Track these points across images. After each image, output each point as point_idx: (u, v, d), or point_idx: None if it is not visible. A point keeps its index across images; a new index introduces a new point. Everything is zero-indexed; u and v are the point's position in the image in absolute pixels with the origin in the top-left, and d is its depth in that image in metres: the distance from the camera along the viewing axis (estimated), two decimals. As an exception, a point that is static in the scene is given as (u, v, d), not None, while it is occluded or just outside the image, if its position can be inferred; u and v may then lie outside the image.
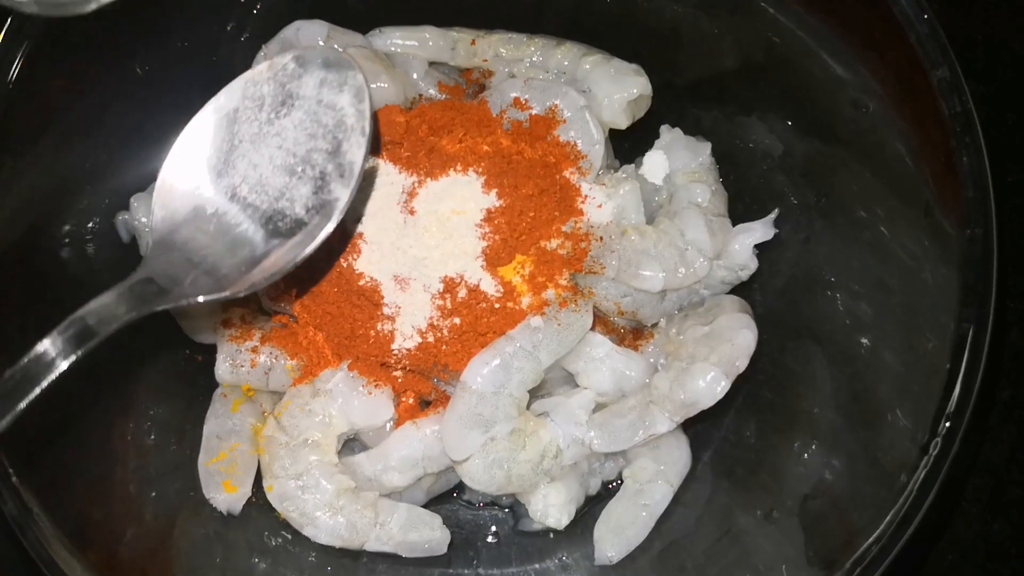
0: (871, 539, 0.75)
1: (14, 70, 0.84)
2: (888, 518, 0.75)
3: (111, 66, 0.94)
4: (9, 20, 0.84)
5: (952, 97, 0.80)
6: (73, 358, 0.70)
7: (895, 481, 0.76)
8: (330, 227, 0.83)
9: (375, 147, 0.96)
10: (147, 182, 0.97)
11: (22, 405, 0.68)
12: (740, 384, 0.94)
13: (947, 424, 0.75)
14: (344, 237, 0.95)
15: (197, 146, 0.85)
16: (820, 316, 0.97)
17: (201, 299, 0.79)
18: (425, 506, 0.99)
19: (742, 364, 0.93)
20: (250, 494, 0.96)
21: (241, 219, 0.84)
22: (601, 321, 1.01)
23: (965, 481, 1.05)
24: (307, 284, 0.97)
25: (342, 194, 0.84)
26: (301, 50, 0.87)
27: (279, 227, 0.84)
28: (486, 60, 1.07)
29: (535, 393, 0.95)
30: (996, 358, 0.77)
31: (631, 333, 1.03)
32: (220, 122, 0.85)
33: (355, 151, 0.84)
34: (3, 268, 0.86)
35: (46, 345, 0.70)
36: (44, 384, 0.69)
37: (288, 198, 0.84)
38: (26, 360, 0.69)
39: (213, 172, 0.85)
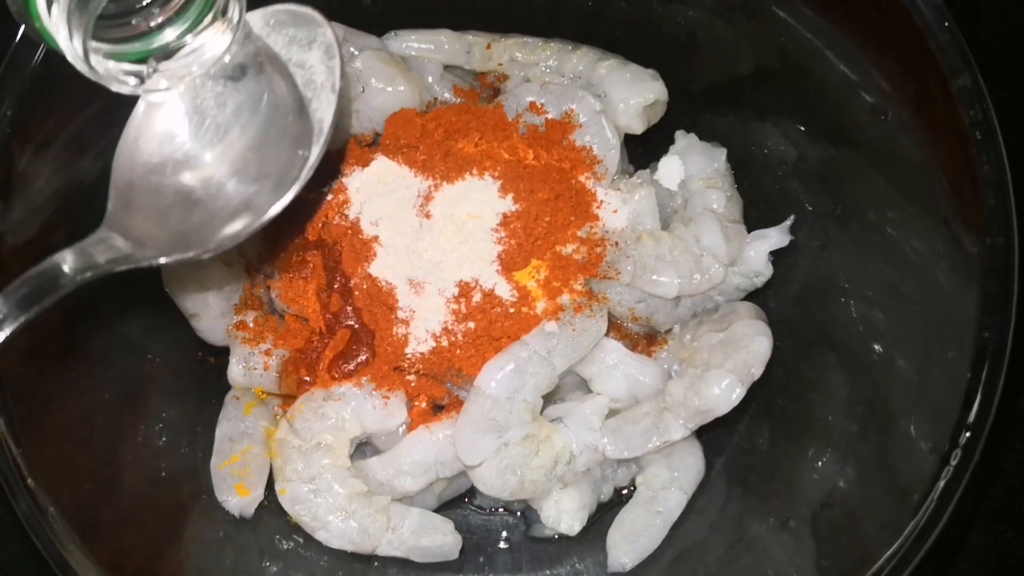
0: (889, 552, 0.74)
1: (28, 73, 0.84)
2: (906, 532, 0.74)
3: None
4: (24, 25, 0.84)
5: (974, 105, 0.79)
6: (23, 320, 0.68)
7: (913, 493, 0.75)
8: (297, 187, 0.81)
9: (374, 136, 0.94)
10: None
11: None
12: (754, 391, 0.93)
13: (967, 435, 0.74)
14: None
15: (160, 106, 0.81)
16: (835, 324, 0.97)
17: (163, 260, 0.76)
18: (436, 511, 0.98)
19: (757, 371, 0.93)
20: (262, 497, 0.96)
21: (207, 179, 0.81)
22: (615, 327, 1.00)
23: (983, 491, 1.04)
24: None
25: (312, 152, 0.81)
26: (267, 8, 0.84)
27: (246, 188, 0.81)
28: (501, 64, 1.07)
29: (548, 398, 0.95)
30: (1016, 367, 0.76)
31: (645, 339, 1.03)
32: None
33: (325, 109, 0.81)
34: (12, 270, 0.86)
35: None
36: None
37: (256, 158, 0.81)
38: None
39: (177, 131, 0.81)
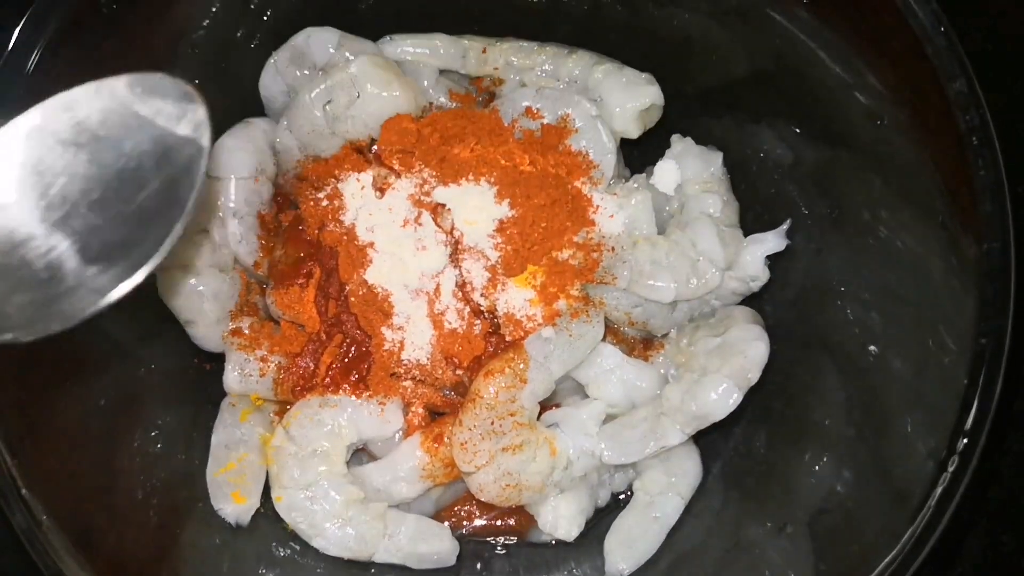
0: (888, 558, 0.74)
1: (25, 76, 0.84)
2: (904, 538, 0.74)
3: (121, 73, 0.93)
4: (17, 32, 0.83)
5: (970, 110, 0.79)
6: None
7: (911, 498, 0.75)
8: (148, 267, 0.70)
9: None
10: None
11: None
12: (751, 395, 0.93)
13: (965, 441, 0.74)
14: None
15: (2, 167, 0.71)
16: (832, 328, 0.96)
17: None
18: (433, 516, 0.98)
19: (754, 376, 0.93)
20: (258, 505, 0.96)
21: (45, 255, 0.70)
22: (611, 331, 1.00)
23: (980, 495, 1.04)
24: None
25: (168, 233, 0.70)
26: (136, 74, 0.74)
27: (87, 267, 0.70)
28: (497, 68, 1.06)
29: (545, 404, 0.95)
30: (1013, 372, 0.76)
31: (641, 344, 1.02)
32: (32, 142, 0.71)
33: (186, 190, 0.71)
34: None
35: None
36: None
37: (102, 235, 0.71)
38: None
39: (16, 197, 0.71)
